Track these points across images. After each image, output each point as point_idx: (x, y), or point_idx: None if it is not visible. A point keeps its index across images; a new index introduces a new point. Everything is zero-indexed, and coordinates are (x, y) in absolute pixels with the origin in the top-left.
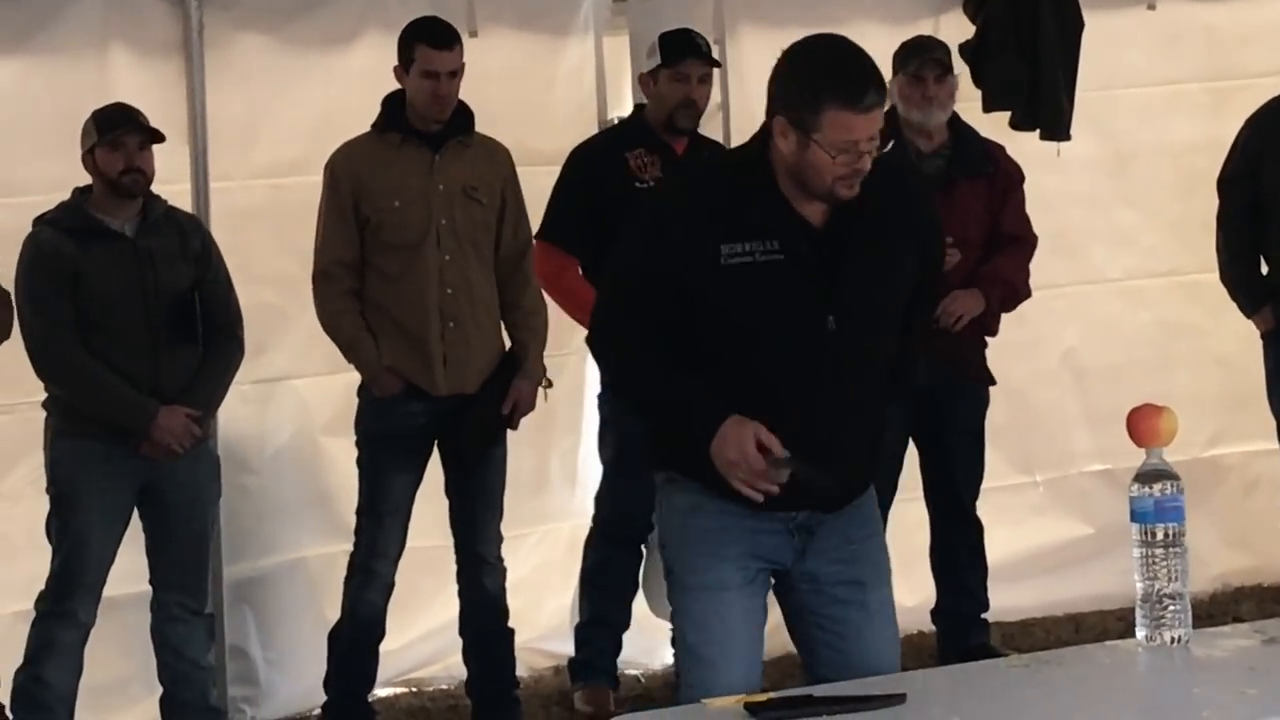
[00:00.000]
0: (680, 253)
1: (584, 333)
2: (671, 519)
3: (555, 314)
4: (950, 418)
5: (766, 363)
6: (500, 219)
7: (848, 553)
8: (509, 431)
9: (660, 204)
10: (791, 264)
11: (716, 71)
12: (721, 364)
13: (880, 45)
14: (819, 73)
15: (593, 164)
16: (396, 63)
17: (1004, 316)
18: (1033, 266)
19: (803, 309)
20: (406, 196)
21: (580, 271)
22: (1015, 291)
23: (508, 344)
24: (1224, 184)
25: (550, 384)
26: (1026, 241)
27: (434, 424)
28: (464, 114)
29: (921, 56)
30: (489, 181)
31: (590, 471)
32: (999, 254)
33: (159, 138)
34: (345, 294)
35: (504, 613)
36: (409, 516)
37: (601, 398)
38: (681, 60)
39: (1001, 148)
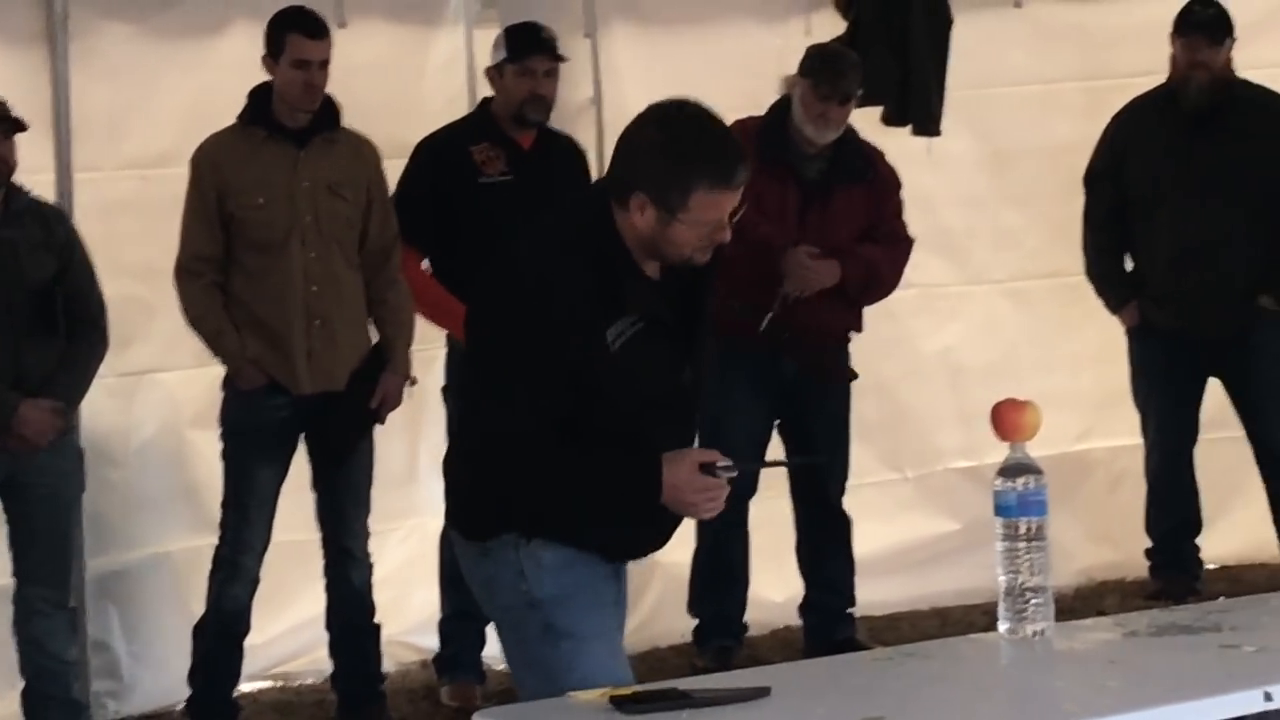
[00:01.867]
0: (578, 353)
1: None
2: (543, 576)
3: None
4: (815, 413)
5: (633, 425)
6: (366, 215)
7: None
8: (377, 426)
9: (543, 305)
10: (654, 329)
11: (589, 65)
12: (588, 429)
13: (752, 42)
14: (689, 155)
15: (437, 157)
16: (265, 53)
17: (879, 314)
18: (914, 266)
19: (668, 369)
20: (271, 194)
21: (424, 264)
22: (878, 274)
23: (374, 338)
24: (1090, 180)
25: (414, 381)
26: (900, 239)
27: (299, 418)
28: (330, 108)
29: (834, 85)
30: (354, 178)
31: None
32: (869, 242)
33: (22, 127)
34: (208, 288)
35: (370, 607)
36: (274, 510)
37: (446, 393)
38: (528, 56)
39: (881, 154)
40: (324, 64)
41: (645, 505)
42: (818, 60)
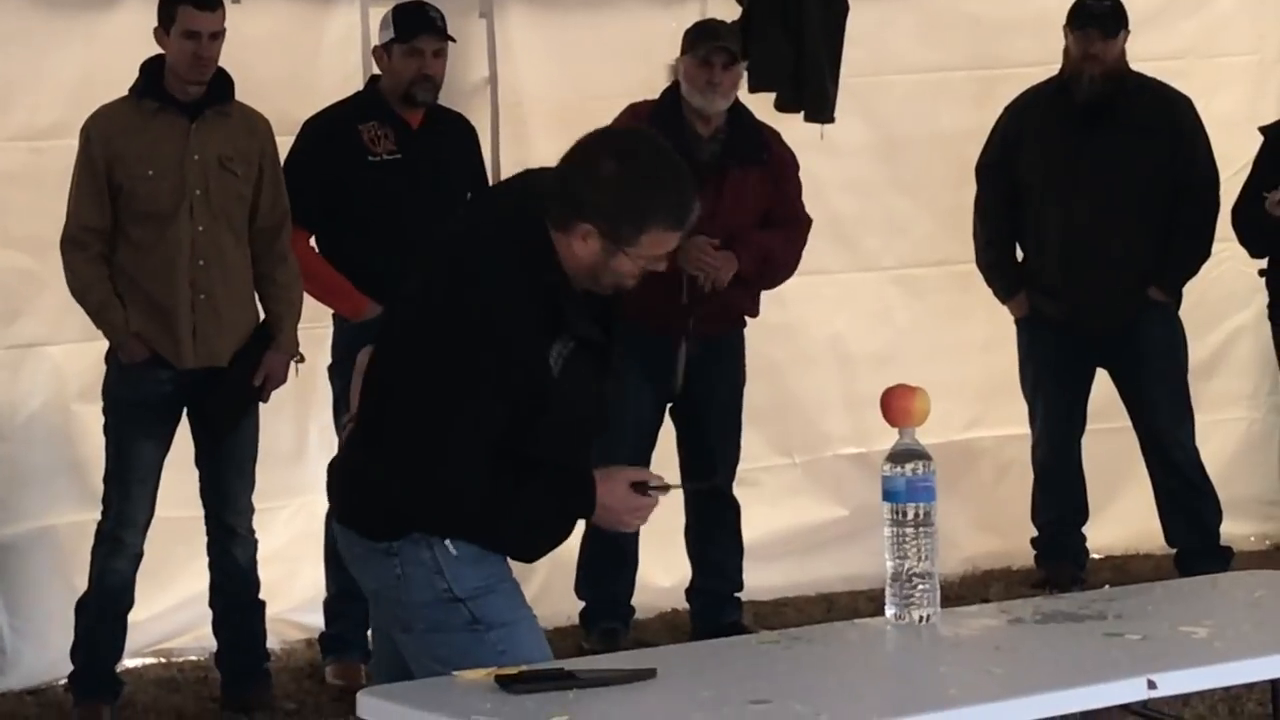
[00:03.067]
0: (524, 379)
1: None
2: (463, 572)
3: None
4: (706, 398)
5: (563, 442)
6: (257, 191)
7: None
8: (265, 404)
9: (490, 332)
10: (584, 347)
11: (484, 46)
12: (517, 447)
13: (647, 25)
14: (649, 194)
15: (325, 136)
16: (157, 24)
17: (769, 300)
18: (805, 251)
19: (595, 385)
20: (160, 165)
21: (312, 243)
22: (773, 259)
23: (262, 315)
24: (982, 170)
25: (302, 359)
26: (798, 220)
27: (182, 393)
28: (223, 82)
29: (711, 43)
30: (246, 152)
31: None
32: (765, 229)
33: None
34: (94, 260)
35: (255, 585)
36: (157, 485)
37: (332, 371)
38: (415, 35)
39: (777, 135)
40: (215, 36)
41: (577, 522)
42: (693, 31)
